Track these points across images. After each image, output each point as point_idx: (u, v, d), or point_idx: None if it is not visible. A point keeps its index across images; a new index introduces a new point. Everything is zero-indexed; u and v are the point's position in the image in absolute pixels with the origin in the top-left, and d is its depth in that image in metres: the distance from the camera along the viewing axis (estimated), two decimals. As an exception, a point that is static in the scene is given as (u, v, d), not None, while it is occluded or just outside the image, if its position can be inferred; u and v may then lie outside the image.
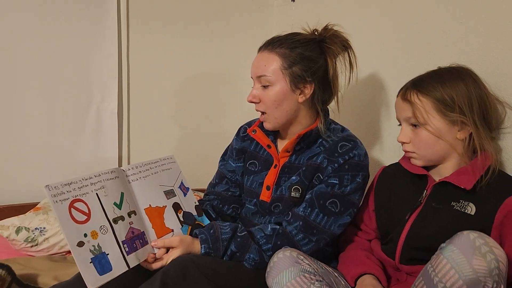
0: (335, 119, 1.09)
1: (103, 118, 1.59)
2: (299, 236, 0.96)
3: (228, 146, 1.22)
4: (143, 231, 0.90)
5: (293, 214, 0.99)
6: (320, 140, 1.03)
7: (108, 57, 1.56)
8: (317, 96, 1.00)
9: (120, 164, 1.66)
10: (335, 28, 1.02)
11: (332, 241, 1.01)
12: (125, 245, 0.84)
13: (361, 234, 1.06)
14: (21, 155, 1.48)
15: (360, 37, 1.15)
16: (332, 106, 1.08)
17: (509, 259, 0.73)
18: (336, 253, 1.06)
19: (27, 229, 1.26)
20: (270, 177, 1.06)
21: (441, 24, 1.13)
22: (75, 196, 0.79)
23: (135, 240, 0.87)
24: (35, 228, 1.27)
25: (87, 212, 0.80)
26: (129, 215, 0.88)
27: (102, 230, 0.81)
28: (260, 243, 0.96)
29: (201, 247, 0.93)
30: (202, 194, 1.30)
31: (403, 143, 0.93)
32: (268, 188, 1.06)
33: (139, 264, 0.86)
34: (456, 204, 0.86)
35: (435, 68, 0.94)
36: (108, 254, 0.80)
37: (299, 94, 0.99)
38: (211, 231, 0.95)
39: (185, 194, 1.05)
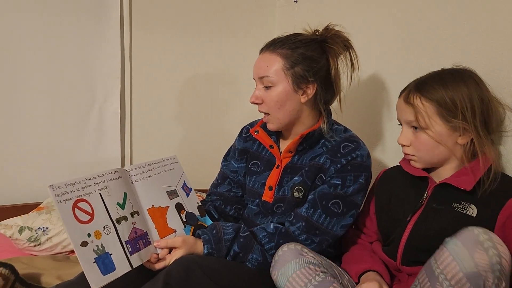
0: (337, 120, 1.10)
1: (105, 118, 1.59)
2: (302, 237, 0.96)
3: (231, 147, 1.22)
4: (146, 232, 0.90)
5: (295, 215, 0.99)
6: (323, 140, 1.03)
7: (110, 58, 1.56)
8: (320, 96, 1.01)
9: (122, 164, 1.66)
10: (336, 28, 1.02)
11: (334, 242, 1.01)
12: (128, 245, 0.84)
13: (363, 236, 1.06)
14: (23, 155, 1.48)
15: (361, 37, 1.15)
16: (334, 106, 1.08)
17: None
18: (339, 255, 1.06)
19: (30, 229, 1.27)
20: (273, 177, 1.06)
21: (442, 24, 1.13)
22: (79, 196, 0.80)
23: (138, 240, 0.87)
24: (38, 228, 1.28)
25: (91, 212, 0.81)
26: (132, 215, 0.89)
27: (106, 230, 0.81)
28: (263, 242, 0.96)
29: (204, 248, 0.93)
30: (204, 195, 1.30)
31: (403, 145, 0.93)
32: (270, 188, 1.06)
33: (142, 264, 0.87)
34: (457, 205, 0.86)
35: (436, 68, 0.94)
36: (111, 254, 0.80)
37: (302, 95, 0.99)
38: (214, 231, 0.95)
39: (187, 195, 1.05)
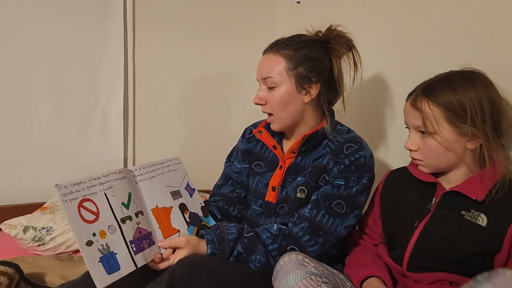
0: (340, 120, 1.10)
1: (108, 119, 1.60)
2: (305, 238, 0.96)
3: (234, 148, 1.22)
4: (150, 231, 0.91)
5: (298, 215, 0.99)
6: (326, 141, 1.03)
7: (114, 59, 1.57)
8: (323, 96, 1.01)
9: (125, 165, 1.66)
10: (338, 28, 1.02)
11: (338, 243, 1.01)
12: (133, 245, 0.85)
13: (367, 238, 1.05)
14: (27, 155, 1.49)
15: (365, 39, 1.15)
16: (337, 107, 1.08)
17: None
18: (342, 256, 1.06)
19: (34, 229, 1.27)
20: (276, 178, 1.07)
21: (446, 25, 1.13)
22: (84, 196, 0.80)
23: (142, 240, 0.88)
24: (42, 228, 1.28)
25: (96, 211, 0.81)
26: (136, 215, 0.89)
27: (110, 229, 0.82)
28: (266, 243, 0.96)
29: (207, 248, 0.93)
30: (207, 195, 1.31)
31: (410, 150, 0.91)
32: (273, 189, 1.07)
33: (146, 264, 0.87)
34: (466, 213, 0.84)
35: (438, 68, 0.93)
36: (116, 253, 0.80)
37: (305, 95, 1.00)
38: (217, 231, 0.96)
39: (191, 195, 1.06)
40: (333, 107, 1.07)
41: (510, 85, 0.95)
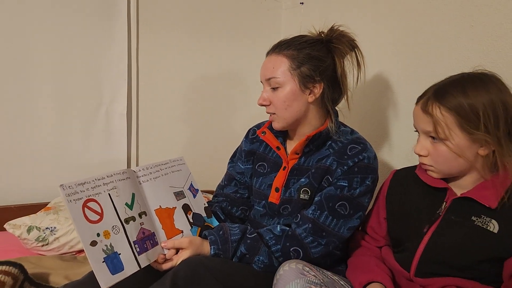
0: (343, 120, 1.10)
1: (112, 119, 1.60)
2: (308, 239, 0.96)
3: (237, 148, 1.22)
4: (154, 232, 0.91)
5: (302, 217, 0.99)
6: (329, 142, 1.03)
7: (117, 59, 1.57)
8: (327, 95, 1.01)
9: (128, 165, 1.67)
10: (341, 28, 1.02)
11: (341, 244, 1.01)
12: (136, 246, 0.85)
13: (370, 240, 1.04)
14: (31, 155, 1.49)
15: (367, 39, 1.15)
16: (341, 107, 1.08)
17: None
18: (345, 257, 1.06)
19: (38, 229, 1.28)
20: (279, 179, 1.07)
21: (447, 25, 1.13)
22: (89, 196, 0.80)
23: (146, 240, 0.88)
24: (46, 228, 1.29)
25: (100, 212, 0.81)
26: (140, 215, 0.89)
27: (114, 230, 0.82)
28: (269, 244, 0.96)
29: (211, 248, 0.93)
30: (210, 196, 1.31)
31: (420, 155, 0.88)
32: (277, 190, 1.07)
33: (149, 264, 0.87)
34: (477, 219, 0.83)
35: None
36: (120, 254, 0.81)
37: (309, 94, 1.00)
38: (221, 232, 0.96)
39: (194, 196, 1.06)
40: (336, 108, 1.07)
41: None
